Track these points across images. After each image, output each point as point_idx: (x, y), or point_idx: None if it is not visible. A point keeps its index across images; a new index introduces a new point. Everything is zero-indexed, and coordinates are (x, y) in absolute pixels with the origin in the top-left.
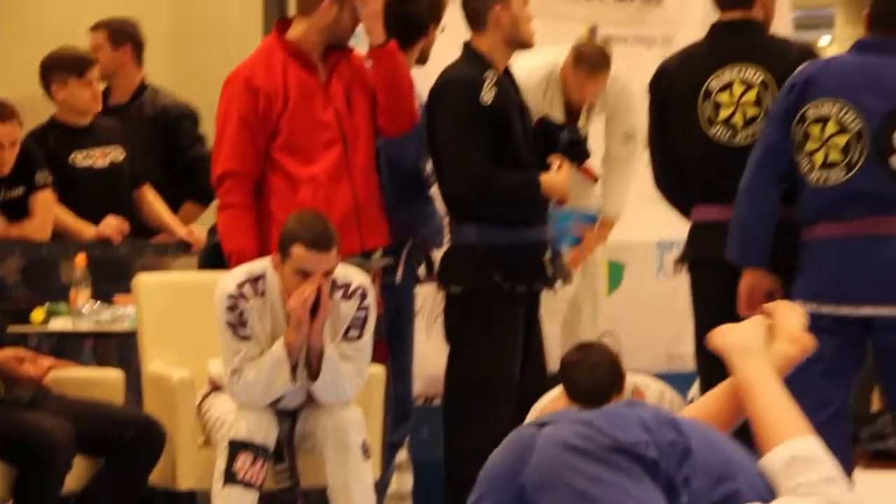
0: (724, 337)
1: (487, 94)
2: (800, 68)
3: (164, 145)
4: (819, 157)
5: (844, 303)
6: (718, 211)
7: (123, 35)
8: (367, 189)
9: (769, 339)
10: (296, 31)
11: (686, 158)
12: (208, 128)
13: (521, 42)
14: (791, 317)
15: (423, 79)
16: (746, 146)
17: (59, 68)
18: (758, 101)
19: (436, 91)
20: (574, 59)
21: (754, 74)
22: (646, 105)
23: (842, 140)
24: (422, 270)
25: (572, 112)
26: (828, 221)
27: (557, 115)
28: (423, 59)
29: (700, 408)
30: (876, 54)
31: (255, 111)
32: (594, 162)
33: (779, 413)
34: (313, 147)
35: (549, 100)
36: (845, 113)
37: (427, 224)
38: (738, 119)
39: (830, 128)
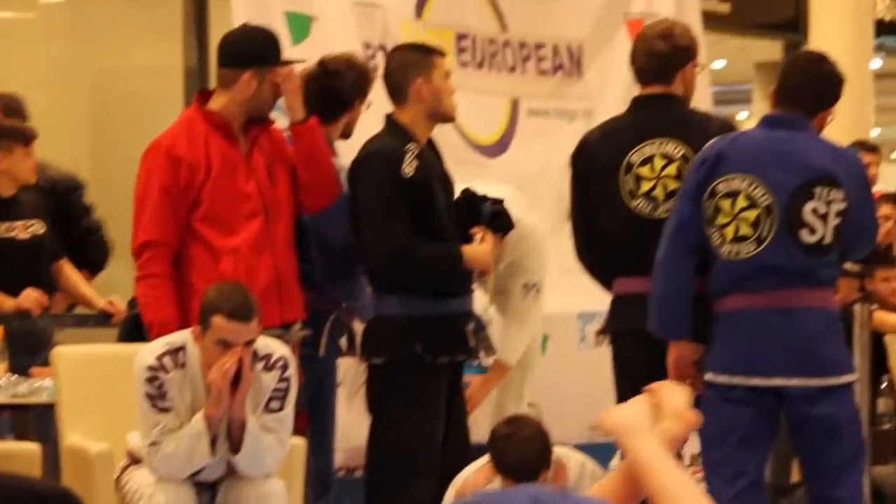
0: (611, 418)
1: (409, 167)
2: (710, 143)
3: (57, 217)
4: (730, 231)
5: (756, 374)
6: (640, 283)
7: (12, 109)
8: (287, 261)
9: (655, 417)
10: (217, 103)
11: (608, 231)
12: (127, 198)
13: (442, 115)
14: (675, 394)
15: (348, 153)
16: (666, 219)
17: (5, 136)
18: (678, 175)
19: (357, 163)
20: None
21: (675, 149)
22: (567, 177)
23: (752, 214)
24: (343, 342)
25: None
26: (739, 293)
27: None
28: (347, 134)
29: (603, 487)
30: (783, 129)
31: (177, 181)
32: None
33: (675, 489)
34: (235, 218)
35: None
36: (755, 188)
37: (357, 299)
38: (659, 192)
39: (740, 202)
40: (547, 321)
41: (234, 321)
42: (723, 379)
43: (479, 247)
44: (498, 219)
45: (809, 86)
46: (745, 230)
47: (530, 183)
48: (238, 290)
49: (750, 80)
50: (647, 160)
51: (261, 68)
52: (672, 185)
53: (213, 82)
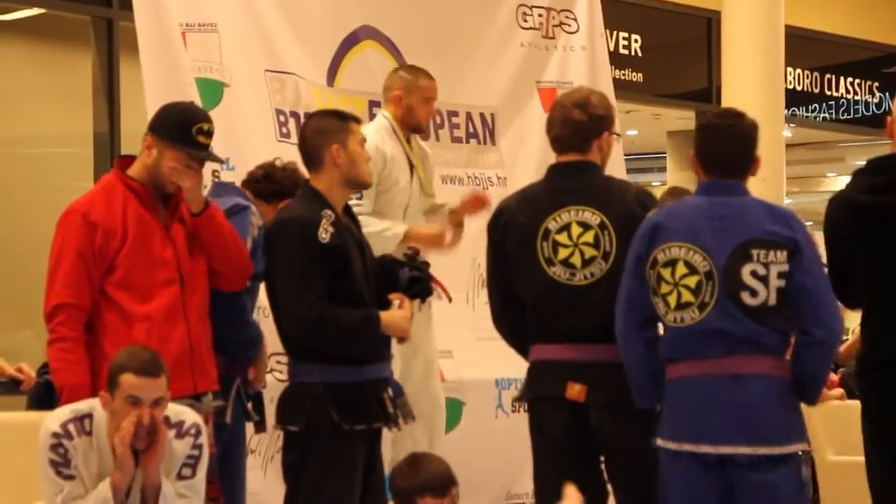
0: None
1: (325, 233)
2: (647, 218)
3: None
4: (672, 299)
5: (703, 441)
6: (556, 350)
7: None
8: (201, 331)
9: None
10: (134, 170)
11: (525, 297)
12: (37, 264)
13: (358, 181)
14: None
15: None
16: (585, 286)
17: None
18: (595, 243)
19: (273, 230)
20: None
21: (592, 216)
22: (483, 244)
23: (692, 281)
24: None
25: None
26: (686, 360)
27: None
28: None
29: None
30: (719, 195)
31: (92, 245)
32: None
33: None
34: (150, 285)
35: None
36: (693, 254)
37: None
38: (576, 259)
39: (680, 269)
40: (463, 388)
41: (141, 376)
42: (672, 445)
43: (396, 313)
44: (416, 284)
45: (730, 152)
46: (687, 297)
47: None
48: (145, 350)
49: (663, 149)
50: (565, 227)
51: (159, 139)
52: (589, 252)
53: (124, 149)
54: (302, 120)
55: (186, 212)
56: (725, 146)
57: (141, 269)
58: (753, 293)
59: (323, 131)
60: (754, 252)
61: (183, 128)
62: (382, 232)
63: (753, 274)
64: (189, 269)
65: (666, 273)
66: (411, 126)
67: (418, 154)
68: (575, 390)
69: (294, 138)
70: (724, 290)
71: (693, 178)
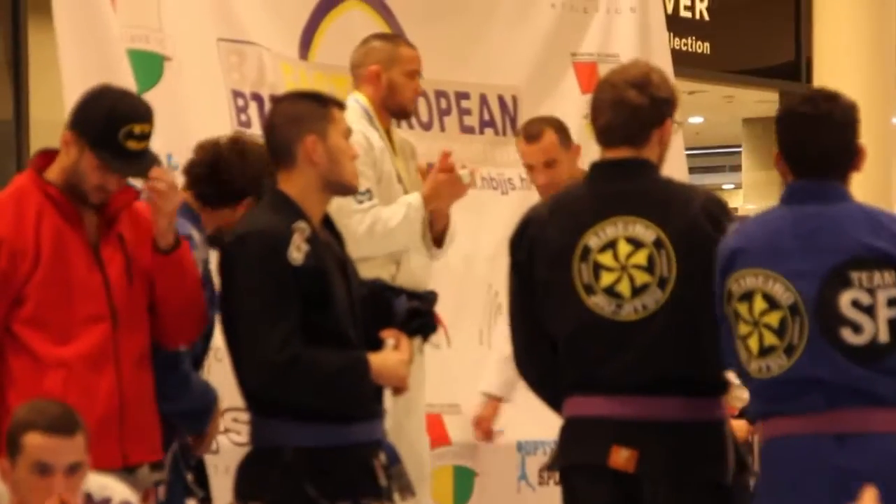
0: None
1: (297, 251)
2: (722, 242)
3: None
4: (754, 343)
5: None
6: (597, 403)
7: None
8: (137, 384)
9: None
10: (53, 171)
11: (558, 335)
12: None
13: (340, 185)
14: None
15: None
16: (636, 321)
17: None
18: (649, 265)
19: (231, 247)
20: None
21: (645, 231)
22: (503, 266)
23: (774, 318)
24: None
25: None
26: (778, 417)
27: None
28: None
29: None
30: (810, 202)
31: None
32: None
33: None
34: (70, 322)
35: None
36: (772, 283)
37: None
38: (624, 287)
39: (759, 304)
40: (476, 453)
41: (52, 435)
42: None
43: (391, 355)
44: (417, 318)
45: (824, 146)
46: (770, 339)
47: (451, 275)
48: (55, 404)
49: (737, 141)
50: (610, 245)
51: (79, 136)
52: (641, 278)
53: (34, 141)
54: (267, 104)
55: (129, 227)
56: (817, 139)
57: (57, 302)
58: (857, 329)
59: (296, 119)
60: (854, 275)
61: (106, 128)
62: (407, 216)
63: (855, 304)
64: (124, 303)
65: (743, 309)
66: (396, 109)
67: (401, 149)
68: (622, 457)
69: (256, 128)
70: (816, 327)
71: (776, 180)
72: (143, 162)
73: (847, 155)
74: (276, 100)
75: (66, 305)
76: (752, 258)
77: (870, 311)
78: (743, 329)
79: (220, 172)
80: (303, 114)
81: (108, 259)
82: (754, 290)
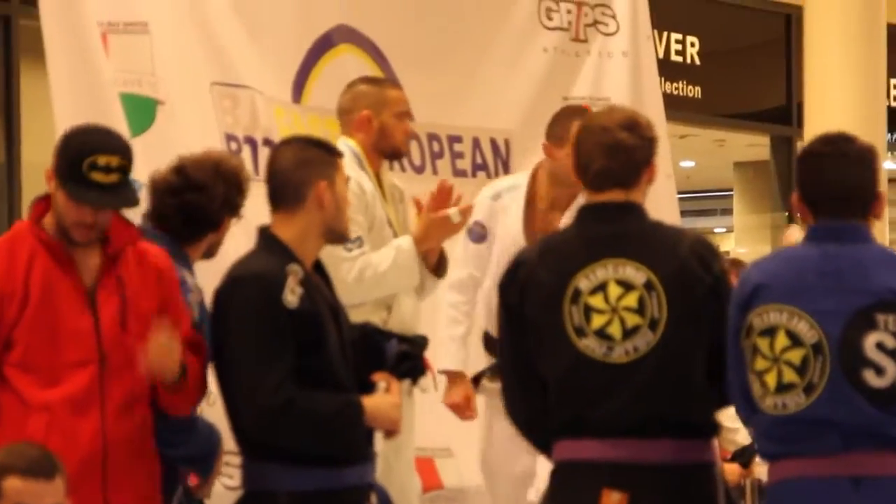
0: None
1: (292, 295)
2: (742, 276)
3: None
4: (772, 379)
5: None
6: (589, 447)
7: None
8: (125, 429)
9: None
10: (49, 215)
11: (548, 377)
12: None
13: (338, 232)
14: None
15: (210, 274)
16: (627, 363)
17: None
18: (640, 307)
19: (225, 290)
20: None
21: (635, 273)
22: (492, 309)
23: (796, 355)
24: None
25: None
26: (792, 458)
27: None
28: (210, 254)
29: None
30: (833, 242)
31: None
32: None
33: None
34: (56, 367)
35: None
36: (797, 321)
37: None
38: (615, 329)
39: (781, 340)
40: (469, 497)
41: (31, 479)
42: None
43: (382, 399)
44: (406, 361)
45: (846, 185)
46: (789, 376)
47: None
48: (33, 447)
49: (728, 185)
50: (600, 287)
51: (55, 173)
52: (632, 320)
53: (26, 184)
54: (261, 148)
55: (131, 267)
56: (839, 178)
57: (44, 346)
58: (880, 371)
59: (308, 163)
60: (880, 318)
61: (72, 161)
62: (396, 260)
63: (879, 346)
64: (114, 346)
65: (763, 344)
66: (390, 151)
67: (391, 193)
68: (613, 500)
69: (249, 171)
70: (838, 367)
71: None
72: (118, 196)
73: (866, 194)
74: (282, 143)
75: (52, 349)
76: (777, 294)
77: (893, 354)
78: (760, 364)
79: (185, 207)
80: (314, 159)
81: (102, 301)
82: (777, 325)
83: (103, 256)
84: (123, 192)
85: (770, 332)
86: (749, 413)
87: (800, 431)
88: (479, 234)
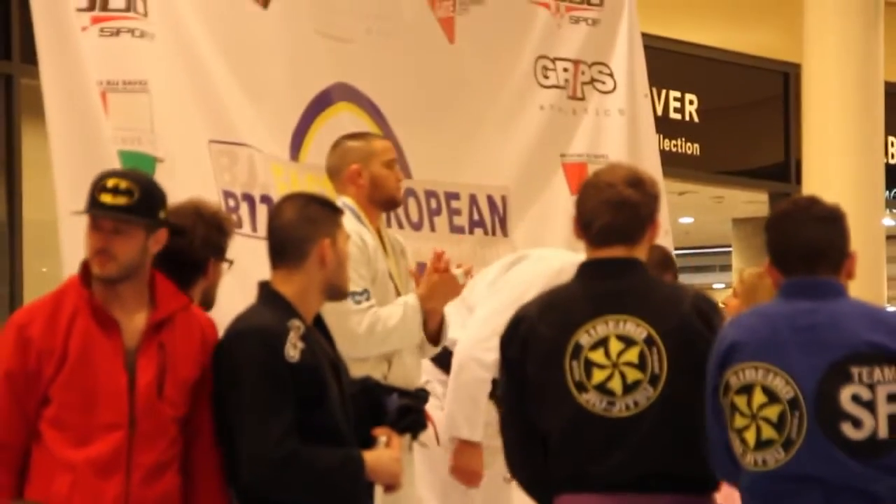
0: None
1: (294, 350)
2: (720, 334)
3: None
4: (751, 436)
5: None
6: (589, 501)
7: None
8: (149, 494)
9: None
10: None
11: (549, 432)
12: None
13: (338, 289)
14: None
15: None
16: (627, 418)
17: None
18: (641, 363)
19: (226, 345)
20: None
21: (636, 329)
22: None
23: (773, 412)
24: None
25: None
26: None
27: None
28: (207, 303)
29: None
30: (804, 298)
31: (25, 368)
32: None
33: None
34: (88, 427)
35: None
36: (772, 377)
37: None
38: (616, 384)
39: (758, 397)
40: None
41: None
42: None
43: (383, 453)
44: (408, 416)
45: (814, 240)
46: (768, 432)
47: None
48: None
49: (727, 241)
50: (601, 342)
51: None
52: (633, 375)
53: (27, 240)
54: (258, 204)
55: (177, 335)
56: (807, 235)
57: (78, 406)
58: (857, 424)
59: (311, 220)
60: (855, 371)
61: (90, 192)
62: (405, 316)
63: (855, 399)
64: (147, 411)
65: (741, 402)
66: (384, 201)
67: (392, 247)
68: None
69: (247, 227)
70: (815, 422)
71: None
72: (119, 210)
73: (833, 250)
74: (284, 199)
75: (85, 410)
76: (752, 352)
77: (870, 406)
78: (739, 422)
79: (170, 254)
80: (317, 216)
81: (142, 366)
82: (753, 383)
83: (149, 321)
84: (128, 210)
85: (747, 389)
86: (731, 471)
87: (784, 489)
88: None
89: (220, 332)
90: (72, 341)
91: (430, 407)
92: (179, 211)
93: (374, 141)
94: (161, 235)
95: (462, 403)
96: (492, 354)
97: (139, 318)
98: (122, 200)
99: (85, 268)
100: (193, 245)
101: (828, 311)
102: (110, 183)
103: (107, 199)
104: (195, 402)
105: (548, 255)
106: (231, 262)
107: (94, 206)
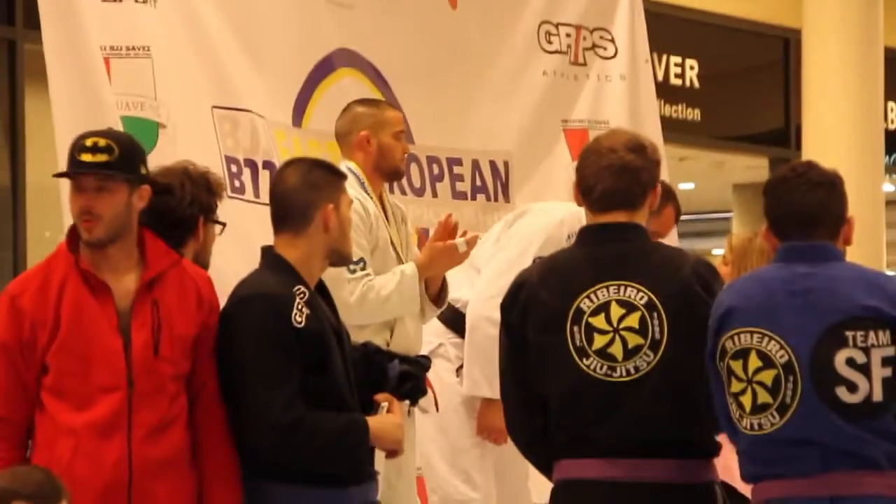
0: None
1: (300, 315)
2: (717, 299)
3: None
4: (747, 400)
5: None
6: (590, 466)
7: None
8: (152, 454)
9: None
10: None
11: (549, 397)
12: None
13: (342, 255)
14: None
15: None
16: (628, 382)
17: None
18: (641, 328)
19: (232, 309)
20: None
21: (637, 294)
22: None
23: (768, 376)
24: None
25: None
26: (771, 480)
27: None
28: (201, 265)
29: None
30: (801, 262)
31: (20, 338)
32: None
33: None
34: (86, 391)
35: None
36: (767, 342)
37: None
38: (616, 349)
39: (753, 362)
40: None
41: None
42: None
43: (386, 418)
44: (408, 381)
45: (810, 204)
46: (763, 397)
47: None
48: (39, 471)
49: (728, 206)
50: (602, 308)
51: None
52: (633, 340)
53: (30, 205)
54: (261, 170)
55: (170, 291)
56: (804, 200)
57: (75, 371)
58: (852, 387)
59: (314, 185)
60: (849, 335)
61: (69, 153)
62: (401, 284)
63: (850, 363)
64: (145, 371)
65: (737, 367)
66: (389, 171)
67: (393, 214)
68: None
69: (249, 193)
70: (810, 385)
71: None
72: (99, 166)
73: (829, 216)
74: (286, 164)
75: (82, 374)
76: (747, 316)
77: (864, 369)
78: (736, 386)
79: (158, 213)
80: (320, 181)
81: (136, 326)
82: (749, 348)
83: (140, 281)
84: (109, 166)
85: (742, 354)
86: (732, 434)
87: (778, 452)
88: None
89: (223, 299)
90: (63, 308)
91: (443, 370)
92: (169, 171)
93: (387, 110)
94: (144, 192)
95: (479, 362)
96: None
97: (130, 278)
98: (102, 157)
99: (72, 233)
100: (181, 203)
101: (824, 276)
102: (89, 142)
103: (87, 157)
104: (196, 358)
105: (549, 208)
106: (224, 225)
107: (75, 166)
